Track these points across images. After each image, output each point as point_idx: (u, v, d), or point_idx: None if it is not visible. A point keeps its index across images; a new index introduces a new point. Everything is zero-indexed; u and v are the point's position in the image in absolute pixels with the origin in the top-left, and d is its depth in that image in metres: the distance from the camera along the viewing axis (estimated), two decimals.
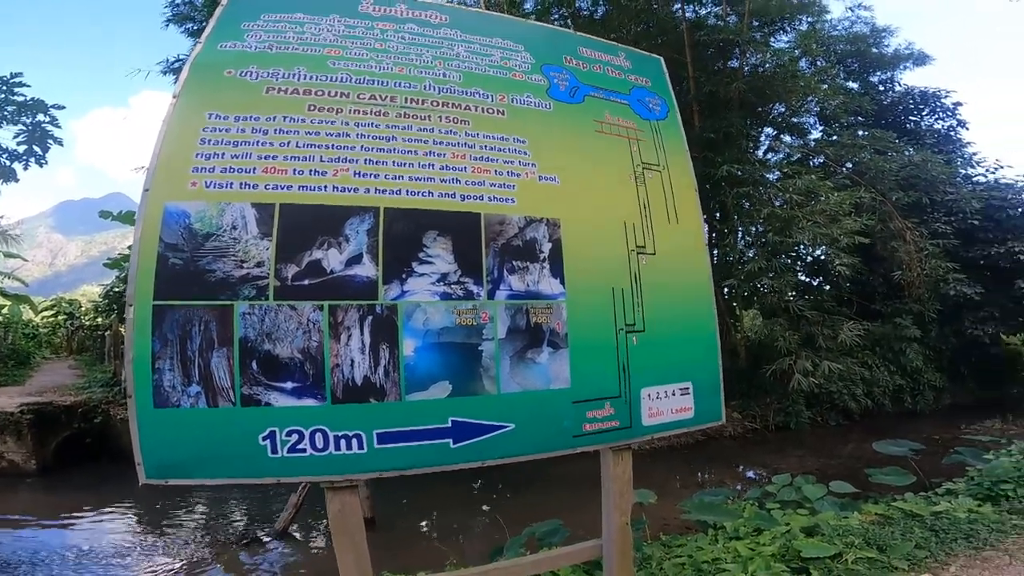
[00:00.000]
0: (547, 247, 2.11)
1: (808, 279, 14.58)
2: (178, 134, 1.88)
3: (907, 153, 14.37)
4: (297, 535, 6.77)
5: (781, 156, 14.88)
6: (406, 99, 2.15)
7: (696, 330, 2.35)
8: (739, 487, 7.94)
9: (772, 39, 14.25)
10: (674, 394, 2.20)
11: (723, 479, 8.94)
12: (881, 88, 17.98)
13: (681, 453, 10.28)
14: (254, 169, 1.89)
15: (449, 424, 1.90)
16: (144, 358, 1.68)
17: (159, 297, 1.71)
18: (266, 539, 6.58)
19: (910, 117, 17.68)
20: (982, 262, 12.79)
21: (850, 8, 15.96)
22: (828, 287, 13.86)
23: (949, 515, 3.81)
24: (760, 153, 14.97)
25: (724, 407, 2.45)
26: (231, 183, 1.85)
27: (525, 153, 2.21)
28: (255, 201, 1.85)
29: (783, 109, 14.69)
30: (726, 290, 12.49)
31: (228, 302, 1.76)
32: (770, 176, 13.01)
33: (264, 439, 1.73)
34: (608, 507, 2.27)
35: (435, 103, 2.17)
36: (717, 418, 2.43)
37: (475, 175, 2.10)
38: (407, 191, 2.02)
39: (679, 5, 13.08)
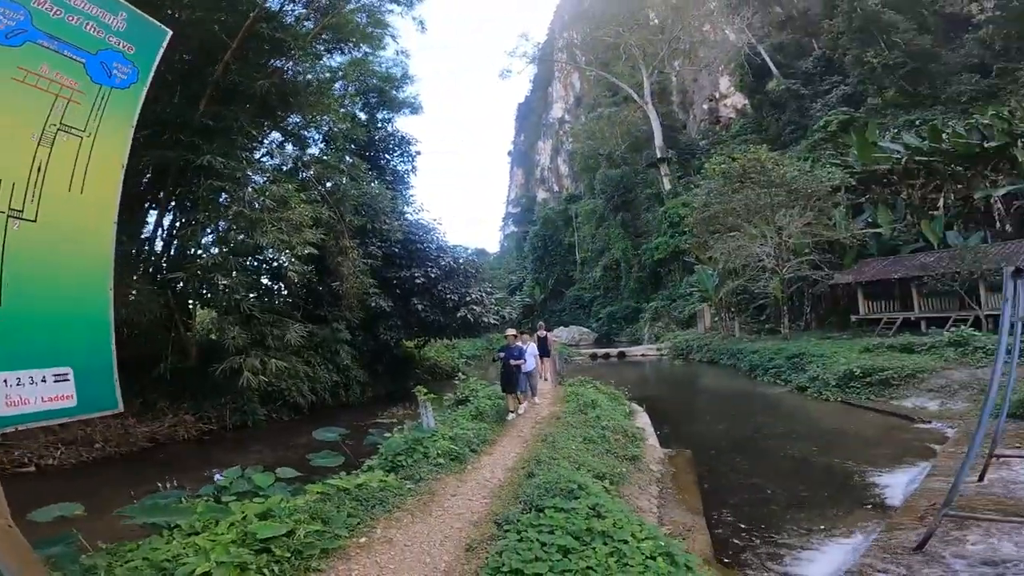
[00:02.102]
0: None
1: (270, 282, 15.47)
2: None
3: (372, 184, 17.49)
4: None
5: (278, 162, 15.34)
6: None
7: (84, 312, 2.14)
8: (200, 488, 7.47)
9: (328, 55, 14.59)
10: (45, 380, 1.93)
11: (184, 483, 8.18)
12: (379, 124, 21.11)
13: (124, 463, 9.00)
14: None
15: None
16: None
17: None
18: None
19: (385, 154, 21.47)
20: (395, 282, 17.04)
21: (397, 52, 18.36)
22: (285, 291, 15.07)
23: (367, 486, 4.81)
24: (258, 155, 14.91)
25: (120, 395, 2.34)
26: None
27: None
28: None
29: (299, 119, 15.20)
30: (179, 284, 11.62)
31: None
32: (258, 178, 13.13)
33: None
34: None
35: None
36: (112, 406, 2.30)
37: None
38: None
39: None
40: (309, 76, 14.09)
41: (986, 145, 20.99)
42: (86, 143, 2.19)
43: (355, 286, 14.26)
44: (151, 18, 2.63)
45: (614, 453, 7.00)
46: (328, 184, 15.18)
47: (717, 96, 47.94)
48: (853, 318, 21.42)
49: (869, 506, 6.50)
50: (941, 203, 22.65)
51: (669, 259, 36.06)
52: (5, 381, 1.81)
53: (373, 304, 15.38)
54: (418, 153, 22.72)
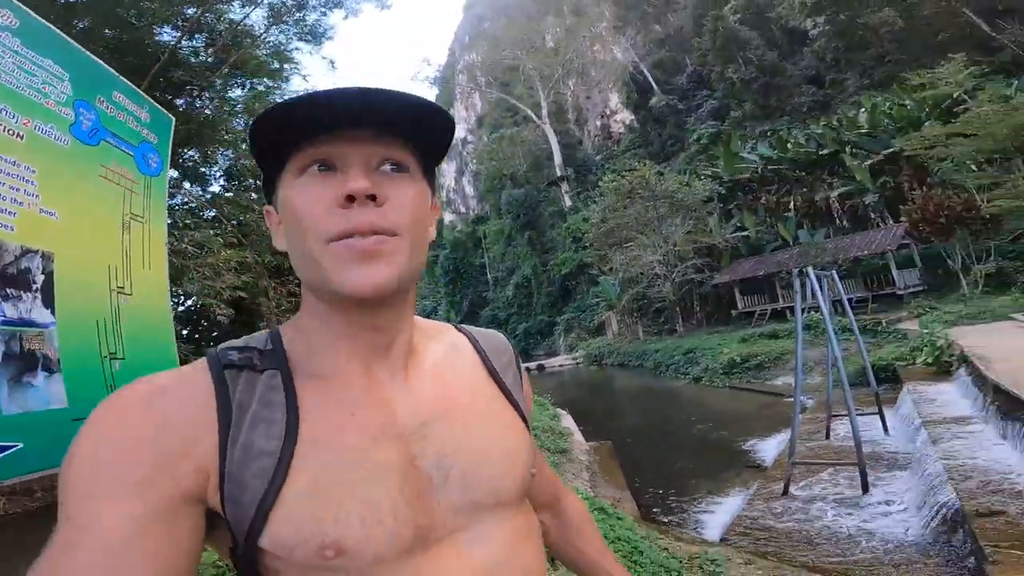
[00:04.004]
0: (40, 278, 2.07)
1: (192, 326, 14.98)
2: None
3: None
4: None
5: (179, 201, 14.73)
6: None
7: (165, 361, 2.76)
8: None
9: (230, 90, 14.22)
10: None
11: None
12: None
13: None
14: None
15: None
16: None
17: None
18: None
19: None
20: None
21: (306, 79, 17.96)
22: (215, 333, 14.66)
23: None
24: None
25: None
26: None
27: (32, 183, 2.11)
28: None
29: (196, 155, 14.71)
30: None
31: None
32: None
33: None
34: None
35: None
36: None
37: None
38: None
39: (167, 31, 11.53)
40: (207, 111, 13.87)
41: (821, 152, 24.96)
42: (146, 228, 2.77)
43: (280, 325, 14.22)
44: (160, 107, 3.20)
45: (546, 448, 7.99)
46: (233, 222, 14.92)
47: (608, 112, 51.31)
48: (733, 312, 24.42)
49: (752, 467, 7.97)
50: (792, 205, 26.35)
51: (576, 273, 38.15)
52: None
53: None
54: None
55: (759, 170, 26.97)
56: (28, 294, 2.02)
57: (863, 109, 24.82)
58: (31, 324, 2.02)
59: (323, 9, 14.61)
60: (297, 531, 0.51)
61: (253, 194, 16.36)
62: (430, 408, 0.62)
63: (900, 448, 6.40)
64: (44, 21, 2.16)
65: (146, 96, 2.91)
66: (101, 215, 2.49)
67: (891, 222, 21.55)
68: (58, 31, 2.23)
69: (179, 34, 12.42)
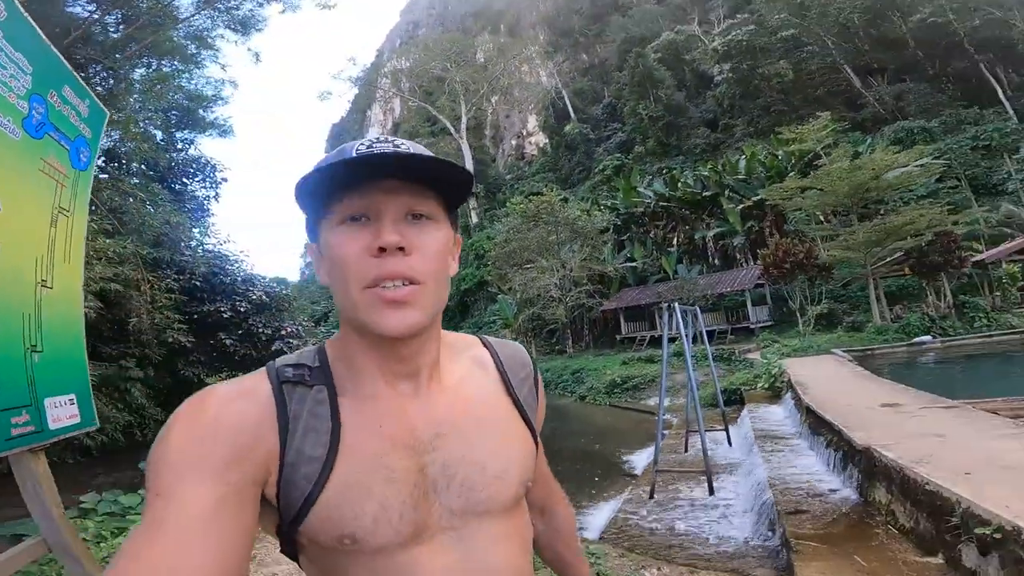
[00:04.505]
0: None
1: None
2: None
3: (165, 210, 15.75)
4: None
5: None
6: None
7: (75, 352, 2.73)
8: None
9: (133, 70, 12.78)
10: (65, 404, 2.52)
11: None
12: (179, 146, 18.88)
13: None
14: None
15: None
16: None
17: None
18: None
19: (183, 179, 19.06)
20: (196, 316, 15.80)
21: (227, 82, 16.36)
22: None
23: None
24: None
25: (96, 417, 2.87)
26: None
27: None
28: None
29: None
30: None
31: None
32: None
33: None
34: (42, 503, 2.33)
35: None
36: (94, 424, 2.81)
37: None
38: None
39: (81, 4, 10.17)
40: (99, 89, 12.59)
41: (704, 194, 27.66)
42: (71, 221, 2.74)
43: (154, 322, 13.01)
44: (99, 101, 3.14)
45: None
46: (107, 207, 13.54)
47: (524, 133, 52.83)
48: (618, 337, 26.30)
49: (626, 475, 8.86)
50: (675, 241, 29.06)
51: (475, 289, 38.43)
52: (50, 404, 2.40)
53: (171, 339, 14.10)
54: (224, 180, 20.29)
55: (652, 205, 29.45)
56: None
57: (743, 156, 27.94)
58: None
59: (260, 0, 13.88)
60: (326, 523, 0.61)
61: (135, 179, 14.91)
62: (444, 422, 0.70)
63: (739, 459, 7.56)
64: (25, 14, 2.17)
65: (89, 90, 2.87)
66: (37, 208, 2.46)
67: (752, 263, 24.67)
68: (34, 24, 2.24)
69: (94, 9, 11.18)
